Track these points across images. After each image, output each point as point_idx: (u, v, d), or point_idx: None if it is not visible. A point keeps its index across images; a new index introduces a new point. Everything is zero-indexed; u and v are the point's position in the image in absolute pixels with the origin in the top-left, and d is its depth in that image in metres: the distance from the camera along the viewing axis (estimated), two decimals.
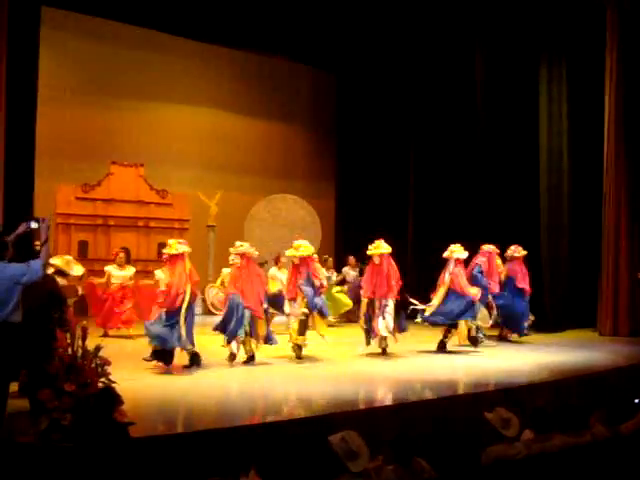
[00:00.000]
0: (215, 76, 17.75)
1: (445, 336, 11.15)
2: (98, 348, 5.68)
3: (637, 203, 13.62)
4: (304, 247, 10.22)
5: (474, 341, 11.30)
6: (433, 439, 4.83)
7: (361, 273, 13.23)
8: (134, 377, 8.03)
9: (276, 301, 10.27)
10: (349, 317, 14.39)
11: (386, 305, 10.37)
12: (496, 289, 12.07)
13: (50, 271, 7.42)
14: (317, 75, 19.43)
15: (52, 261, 7.86)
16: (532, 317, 12.43)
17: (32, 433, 5.24)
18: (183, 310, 8.95)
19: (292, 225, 16.71)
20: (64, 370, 5.44)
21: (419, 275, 15.11)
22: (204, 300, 15.27)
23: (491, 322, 11.90)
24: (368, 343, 10.57)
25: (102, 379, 5.58)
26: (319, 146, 19.44)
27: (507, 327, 12.48)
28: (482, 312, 11.50)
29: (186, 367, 9.09)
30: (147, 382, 8.23)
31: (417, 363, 10.21)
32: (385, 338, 10.45)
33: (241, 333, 9.37)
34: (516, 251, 12.46)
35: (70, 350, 5.60)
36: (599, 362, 10.41)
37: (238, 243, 9.94)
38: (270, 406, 7.37)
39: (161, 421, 6.60)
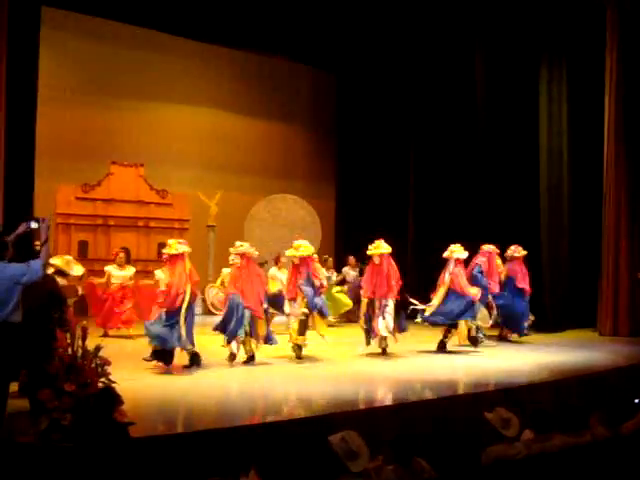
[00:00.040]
0: (215, 76, 17.75)
1: (445, 336, 11.15)
2: (98, 348, 5.68)
3: (637, 203, 13.62)
4: (304, 247, 10.22)
5: (474, 341, 11.30)
6: (433, 439, 4.83)
7: (361, 273, 13.23)
8: (134, 377, 8.03)
9: (276, 301, 10.26)
10: (349, 317, 14.38)
11: (386, 305, 10.36)
12: (496, 289, 12.06)
13: (50, 271, 7.42)
14: (317, 75, 19.42)
15: (52, 261, 7.86)
16: (532, 317, 12.43)
17: (32, 433, 5.24)
18: (183, 310, 8.95)
19: (292, 225, 16.70)
20: (64, 370, 5.44)
21: (419, 275, 15.09)
22: (204, 300, 15.26)
23: (491, 322, 11.90)
24: (368, 343, 10.56)
25: (102, 379, 5.58)
26: (319, 146, 19.43)
27: (507, 327, 12.48)
28: (482, 312, 11.50)
29: (186, 367, 9.09)
30: (147, 382, 8.23)
31: (417, 363, 10.21)
32: (385, 338, 10.44)
33: (241, 333, 9.37)
34: (516, 251, 12.45)
35: (70, 350, 5.60)
36: (599, 362, 10.40)
37: (238, 243, 9.93)
38: (270, 406, 7.37)
39: (161, 421, 6.60)
